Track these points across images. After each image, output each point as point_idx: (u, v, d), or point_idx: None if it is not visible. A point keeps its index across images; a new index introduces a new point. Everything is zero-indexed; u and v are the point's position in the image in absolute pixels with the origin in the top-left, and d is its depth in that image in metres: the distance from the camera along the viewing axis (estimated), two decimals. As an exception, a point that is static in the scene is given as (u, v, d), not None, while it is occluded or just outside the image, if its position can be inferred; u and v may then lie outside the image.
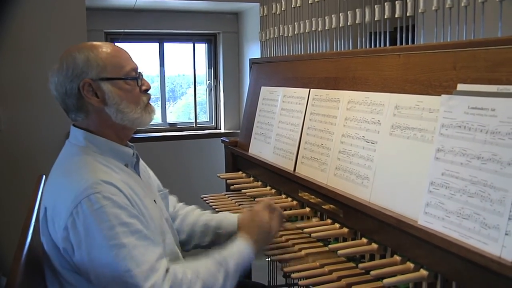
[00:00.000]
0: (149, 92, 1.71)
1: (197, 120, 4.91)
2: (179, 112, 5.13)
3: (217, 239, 2.00)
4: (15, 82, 3.46)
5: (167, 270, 1.48)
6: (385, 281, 1.45)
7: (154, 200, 1.74)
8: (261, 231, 1.74)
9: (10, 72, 3.45)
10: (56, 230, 1.48)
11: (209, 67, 4.96)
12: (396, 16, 1.89)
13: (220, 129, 4.93)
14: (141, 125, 1.69)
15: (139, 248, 1.44)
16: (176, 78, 5.14)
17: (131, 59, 1.70)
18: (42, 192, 1.62)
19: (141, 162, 1.88)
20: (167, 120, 4.88)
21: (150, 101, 1.72)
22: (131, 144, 1.76)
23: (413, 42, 1.86)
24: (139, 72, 1.69)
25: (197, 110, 4.94)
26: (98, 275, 1.42)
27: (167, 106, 4.94)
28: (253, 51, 4.42)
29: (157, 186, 1.96)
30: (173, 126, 4.85)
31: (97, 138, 1.61)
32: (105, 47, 1.63)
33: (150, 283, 1.41)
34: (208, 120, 5.01)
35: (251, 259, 1.67)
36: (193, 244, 2.02)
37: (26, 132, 3.51)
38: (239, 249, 1.66)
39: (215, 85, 4.95)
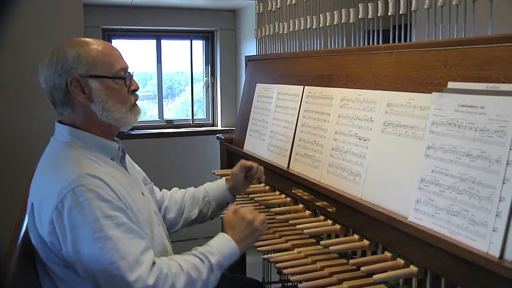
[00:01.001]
0: (136, 93, 1.72)
1: (194, 117, 4.92)
2: (177, 109, 5.14)
3: (207, 207, 2.08)
4: (11, 78, 3.46)
5: (153, 263, 1.49)
6: (375, 277, 1.46)
7: (142, 193, 1.76)
8: (248, 229, 1.73)
9: (5, 68, 3.45)
10: (42, 225, 1.49)
11: (206, 64, 4.97)
12: (389, 14, 1.89)
13: (217, 126, 4.95)
14: (125, 125, 1.70)
15: (124, 240, 1.45)
16: (174, 75, 5.15)
17: (122, 58, 1.69)
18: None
19: (127, 157, 1.89)
20: (164, 117, 4.89)
21: (136, 102, 1.72)
22: (117, 138, 1.77)
23: (406, 40, 1.87)
24: (129, 72, 1.69)
25: (195, 107, 4.95)
26: (84, 267, 1.44)
27: (165, 103, 4.95)
28: (250, 48, 4.43)
29: (142, 178, 1.99)
30: (170, 123, 4.87)
31: (82, 133, 1.62)
32: (96, 45, 1.64)
33: (135, 276, 1.43)
34: (205, 117, 5.02)
35: (236, 255, 1.68)
36: (183, 219, 2.07)
37: (21, 128, 3.51)
38: (224, 245, 1.67)
39: (212, 82, 4.96)
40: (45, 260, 1.53)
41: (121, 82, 1.65)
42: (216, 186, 2.14)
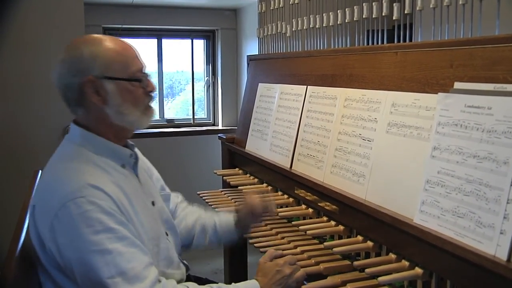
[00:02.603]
0: (152, 93, 1.65)
1: (195, 117, 4.91)
2: (178, 108, 5.13)
3: (216, 238, 1.97)
4: (13, 76, 3.45)
5: (158, 281, 1.46)
6: (380, 279, 1.45)
7: (153, 202, 1.70)
8: (280, 283, 1.60)
9: (7, 66, 3.43)
10: (43, 230, 1.45)
11: (207, 64, 4.95)
12: (394, 13, 1.88)
13: (218, 125, 4.93)
14: (139, 128, 1.64)
15: (125, 254, 1.40)
16: (174, 75, 5.14)
17: (139, 57, 1.63)
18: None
19: (144, 162, 1.84)
20: (165, 117, 4.87)
21: (151, 103, 1.66)
22: (131, 143, 1.71)
23: (410, 40, 1.85)
24: (145, 73, 1.63)
25: (196, 107, 4.94)
26: (82, 279, 1.40)
27: (165, 103, 4.94)
28: (251, 47, 4.41)
29: (160, 187, 1.94)
30: (170, 123, 4.85)
31: (93, 137, 1.56)
32: (113, 44, 1.56)
33: None
34: (206, 117, 5.00)
35: None
36: (194, 245, 1.98)
37: (25, 127, 3.49)
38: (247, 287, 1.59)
39: (213, 82, 4.94)
40: (45, 263, 1.49)
41: (137, 84, 1.58)
42: (225, 224, 1.97)
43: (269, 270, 1.62)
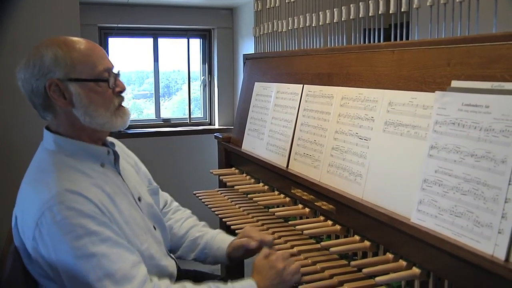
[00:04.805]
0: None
1: (192, 116, 4.89)
2: (174, 108, 5.11)
3: (202, 257, 1.93)
4: (5, 78, 3.42)
5: (149, 280, 1.45)
6: (377, 279, 1.44)
7: (139, 198, 1.68)
8: (275, 279, 1.60)
9: (0, 67, 3.41)
10: (26, 240, 1.44)
11: (204, 63, 4.94)
12: (390, 11, 1.86)
13: (214, 125, 4.92)
14: (112, 129, 1.60)
15: (111, 256, 1.39)
16: (171, 74, 5.12)
17: (106, 58, 1.58)
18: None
19: (130, 157, 1.83)
20: (161, 116, 4.86)
21: (123, 103, 1.62)
22: (111, 141, 1.69)
23: (407, 38, 1.84)
24: (114, 72, 1.58)
25: (192, 106, 4.92)
26: (71, 285, 1.39)
27: (162, 102, 4.92)
28: (247, 47, 4.40)
29: (147, 181, 1.92)
30: (167, 122, 4.84)
31: (67, 141, 1.54)
32: (77, 44, 1.52)
33: None
34: (202, 116, 4.99)
35: None
36: (178, 255, 1.95)
37: (16, 130, 3.46)
38: (244, 287, 1.58)
39: (210, 81, 4.93)
40: (32, 273, 1.49)
41: (105, 84, 1.54)
42: (216, 248, 1.90)
43: (263, 267, 1.63)
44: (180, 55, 4.90)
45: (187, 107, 4.87)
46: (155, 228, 1.73)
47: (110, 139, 1.70)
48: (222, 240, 1.92)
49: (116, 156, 1.66)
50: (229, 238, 1.92)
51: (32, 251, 1.42)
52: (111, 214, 1.48)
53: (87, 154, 1.56)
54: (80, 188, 1.43)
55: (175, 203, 2.10)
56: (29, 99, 1.54)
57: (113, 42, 4.60)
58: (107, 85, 1.55)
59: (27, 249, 1.45)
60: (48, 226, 1.37)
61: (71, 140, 1.54)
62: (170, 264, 1.74)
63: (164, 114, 4.91)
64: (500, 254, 1.18)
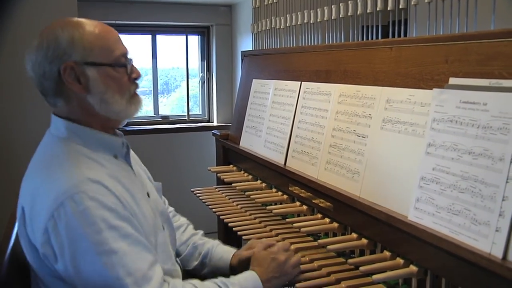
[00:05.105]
0: (137, 81, 1.53)
1: (190, 113, 4.88)
2: (173, 104, 5.10)
3: (201, 266, 1.84)
4: (4, 74, 3.41)
5: (165, 281, 1.39)
6: (374, 277, 1.43)
7: (148, 193, 1.59)
8: (277, 271, 1.57)
9: (-1, 64, 3.40)
10: (35, 234, 1.33)
11: (202, 60, 4.92)
12: (388, 8, 1.85)
13: (213, 122, 4.91)
14: (126, 117, 1.52)
15: (131, 254, 1.31)
16: (170, 71, 5.11)
17: (121, 41, 1.50)
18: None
19: (132, 152, 1.79)
20: (160, 113, 4.85)
21: (137, 91, 1.54)
22: (120, 132, 1.60)
23: (405, 35, 1.83)
24: (129, 58, 1.50)
25: (191, 103, 4.91)
26: (85, 284, 1.30)
27: (161, 99, 4.91)
28: (246, 43, 4.39)
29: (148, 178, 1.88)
30: (165, 119, 4.82)
31: (81, 128, 1.44)
32: (93, 26, 1.43)
33: None
34: (200, 113, 4.98)
35: None
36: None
37: (15, 126, 3.45)
38: (247, 280, 1.54)
39: (208, 78, 4.92)
40: (37, 270, 1.39)
41: (122, 70, 1.46)
42: (219, 257, 1.81)
43: (264, 259, 1.60)
44: (179, 52, 4.88)
45: (186, 104, 4.86)
46: (163, 228, 1.63)
47: (118, 131, 1.61)
48: (225, 250, 1.83)
49: (128, 149, 1.58)
50: (231, 249, 1.84)
51: (41, 246, 1.31)
52: (131, 208, 1.40)
53: (101, 144, 1.47)
54: (101, 178, 1.35)
55: (171, 208, 2.02)
56: (38, 83, 1.43)
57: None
58: (125, 71, 1.48)
59: (33, 244, 1.35)
60: (66, 218, 1.27)
61: (84, 128, 1.45)
62: (176, 268, 1.64)
63: (163, 111, 4.90)
64: (498, 252, 1.18)
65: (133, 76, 1.51)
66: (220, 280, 1.51)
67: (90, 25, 1.43)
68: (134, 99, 1.51)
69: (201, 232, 1.97)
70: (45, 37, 1.40)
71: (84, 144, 1.43)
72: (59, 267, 1.31)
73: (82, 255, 1.28)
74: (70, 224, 1.27)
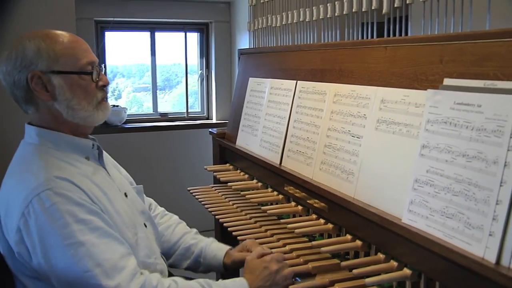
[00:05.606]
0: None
1: (190, 110, 4.87)
2: (175, 101, 5.09)
3: (195, 266, 1.88)
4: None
5: (139, 273, 1.42)
6: (367, 280, 1.41)
7: (125, 193, 1.66)
8: (267, 280, 1.58)
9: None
10: (9, 235, 1.40)
11: (201, 57, 4.90)
12: (383, 7, 1.82)
13: (212, 119, 4.89)
14: (93, 124, 1.59)
15: (100, 245, 1.36)
16: (171, 67, 5.09)
17: (90, 51, 1.58)
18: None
19: (110, 158, 1.80)
20: (160, 109, 4.83)
21: (106, 99, 1.61)
22: (93, 137, 1.66)
23: (401, 34, 1.80)
24: (98, 66, 1.57)
25: (192, 100, 4.89)
26: (58, 278, 1.35)
27: (162, 95, 4.90)
28: (245, 41, 4.36)
29: (129, 183, 1.87)
30: (164, 116, 4.81)
31: (51, 133, 1.52)
32: (61, 37, 1.51)
33: (114, 283, 1.34)
34: (200, 110, 4.97)
35: None
36: (169, 263, 1.88)
37: (10, 130, 3.43)
38: (234, 285, 1.55)
39: (207, 75, 4.89)
40: (15, 272, 1.44)
41: (88, 77, 1.53)
42: (212, 256, 1.85)
43: (256, 267, 1.60)
44: (178, 49, 4.86)
45: (184, 102, 4.84)
46: (146, 226, 1.69)
47: (91, 136, 1.68)
48: (218, 248, 1.87)
49: (100, 151, 1.64)
50: (225, 247, 1.88)
51: (16, 245, 1.37)
52: (101, 203, 1.46)
53: (72, 146, 1.54)
54: (69, 176, 1.41)
55: (161, 208, 2.06)
56: (11, 92, 1.52)
57: (109, 36, 4.57)
58: (91, 78, 1.54)
59: (9, 245, 1.41)
60: (35, 214, 1.33)
61: (54, 132, 1.53)
62: (161, 262, 1.70)
63: (165, 107, 4.89)
64: (491, 257, 1.16)
65: (100, 84, 1.57)
66: (204, 280, 1.53)
67: (58, 35, 1.51)
68: (101, 106, 1.58)
69: (194, 230, 1.98)
70: (14, 48, 1.49)
71: (55, 148, 1.50)
72: (34, 265, 1.37)
73: (52, 250, 1.33)
74: (39, 220, 1.33)
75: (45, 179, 1.37)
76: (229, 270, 1.86)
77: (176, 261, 1.89)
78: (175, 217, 2.03)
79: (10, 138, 3.34)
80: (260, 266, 1.60)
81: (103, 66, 1.59)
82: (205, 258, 1.86)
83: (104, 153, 1.71)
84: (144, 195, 1.95)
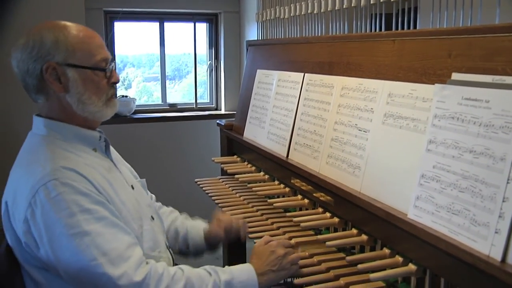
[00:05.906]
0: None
1: (198, 101, 4.86)
2: (185, 90, 5.08)
3: (186, 248, 1.93)
4: (9, 63, 3.40)
5: (145, 262, 1.43)
6: (372, 275, 1.41)
7: (132, 186, 1.68)
8: (274, 264, 1.58)
9: (7, 53, 3.38)
10: (17, 224, 1.40)
11: (210, 48, 4.89)
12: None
13: (221, 110, 4.88)
14: (101, 119, 1.61)
15: (105, 235, 1.36)
16: (181, 57, 5.08)
17: (104, 47, 1.59)
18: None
19: (115, 152, 1.81)
20: (169, 99, 4.83)
21: (115, 95, 1.64)
22: (99, 129, 1.67)
23: (409, 26, 1.78)
24: (111, 63, 1.59)
25: (200, 90, 4.88)
26: (65, 268, 1.35)
27: (172, 85, 4.89)
28: (254, 31, 4.34)
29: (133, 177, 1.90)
30: (173, 107, 4.80)
31: (58, 124, 1.53)
32: (77, 30, 1.53)
33: (120, 271, 1.34)
34: (208, 101, 4.96)
35: (254, 287, 1.53)
36: None
37: (16, 121, 3.44)
38: (241, 270, 1.55)
39: (216, 66, 4.88)
40: (23, 262, 1.45)
41: (101, 74, 1.55)
42: (196, 233, 1.94)
43: (263, 252, 1.62)
44: (187, 39, 4.85)
45: (198, 90, 4.83)
46: (153, 218, 1.70)
47: (98, 129, 1.68)
48: (197, 229, 1.94)
49: (107, 143, 1.66)
50: (203, 223, 1.97)
51: (23, 235, 1.38)
52: (107, 193, 1.47)
53: (79, 137, 1.55)
54: (75, 166, 1.43)
55: (158, 203, 2.07)
56: (22, 79, 1.52)
57: (119, 26, 4.56)
58: (104, 75, 1.56)
59: (17, 235, 1.42)
60: (41, 204, 1.34)
61: (62, 124, 1.54)
62: (166, 256, 1.70)
63: (174, 97, 4.88)
64: (496, 254, 1.15)
65: (111, 81, 1.59)
66: (211, 267, 1.54)
67: (75, 29, 1.53)
68: (110, 102, 1.61)
69: (184, 215, 2.04)
70: (31, 37, 1.49)
71: (62, 139, 1.52)
72: (41, 255, 1.37)
73: (58, 240, 1.34)
74: (45, 210, 1.34)
75: (51, 169, 1.38)
76: (212, 247, 1.95)
77: (171, 244, 1.90)
78: (170, 208, 2.08)
79: (18, 130, 3.36)
80: (267, 251, 1.61)
81: (115, 63, 1.60)
82: (191, 235, 1.93)
83: (110, 147, 1.72)
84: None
